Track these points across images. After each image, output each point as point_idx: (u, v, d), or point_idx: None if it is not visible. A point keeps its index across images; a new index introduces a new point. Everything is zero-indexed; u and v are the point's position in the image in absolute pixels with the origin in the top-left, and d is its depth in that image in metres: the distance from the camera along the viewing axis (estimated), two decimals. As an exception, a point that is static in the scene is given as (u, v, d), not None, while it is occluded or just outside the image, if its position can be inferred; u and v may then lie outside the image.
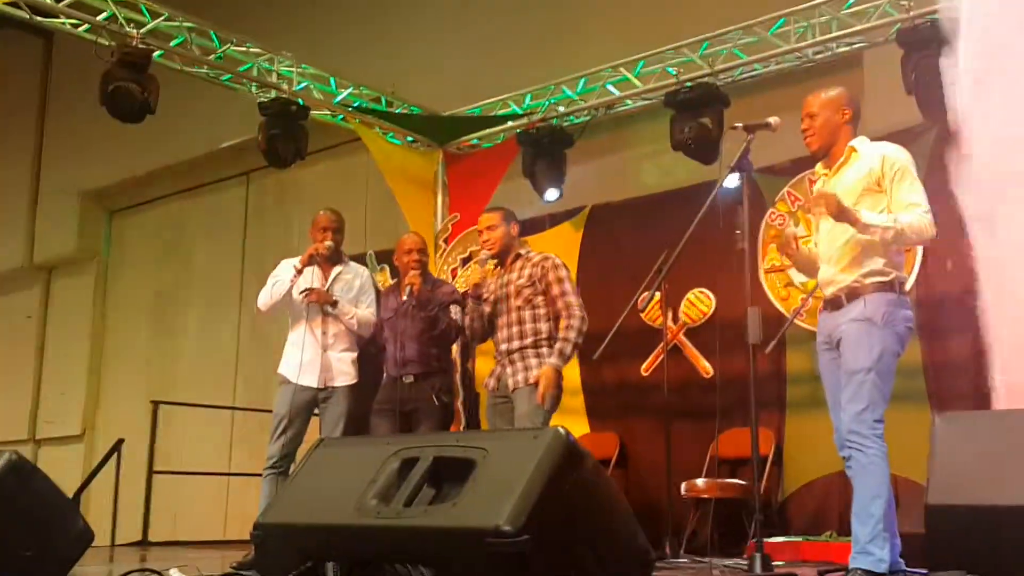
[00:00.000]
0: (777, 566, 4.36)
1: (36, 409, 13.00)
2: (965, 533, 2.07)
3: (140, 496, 8.21)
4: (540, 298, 4.84)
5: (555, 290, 4.82)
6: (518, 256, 4.97)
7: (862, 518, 3.61)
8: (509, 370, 4.81)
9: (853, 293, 3.76)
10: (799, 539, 6.07)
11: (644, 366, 7.21)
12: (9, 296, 13.55)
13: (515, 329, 4.83)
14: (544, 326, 4.81)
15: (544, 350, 4.76)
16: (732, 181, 4.06)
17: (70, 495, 7.67)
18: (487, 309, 4.96)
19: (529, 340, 4.78)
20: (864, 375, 3.65)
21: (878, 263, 3.75)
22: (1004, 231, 3.09)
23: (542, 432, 2.33)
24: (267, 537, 2.66)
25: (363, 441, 3.21)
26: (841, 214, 3.66)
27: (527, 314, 4.82)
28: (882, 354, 3.67)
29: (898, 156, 3.79)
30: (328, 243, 5.42)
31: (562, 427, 2.36)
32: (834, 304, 3.84)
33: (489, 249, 4.97)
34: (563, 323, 4.78)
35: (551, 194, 7.75)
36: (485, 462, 2.34)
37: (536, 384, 4.67)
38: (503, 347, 4.86)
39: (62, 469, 11.28)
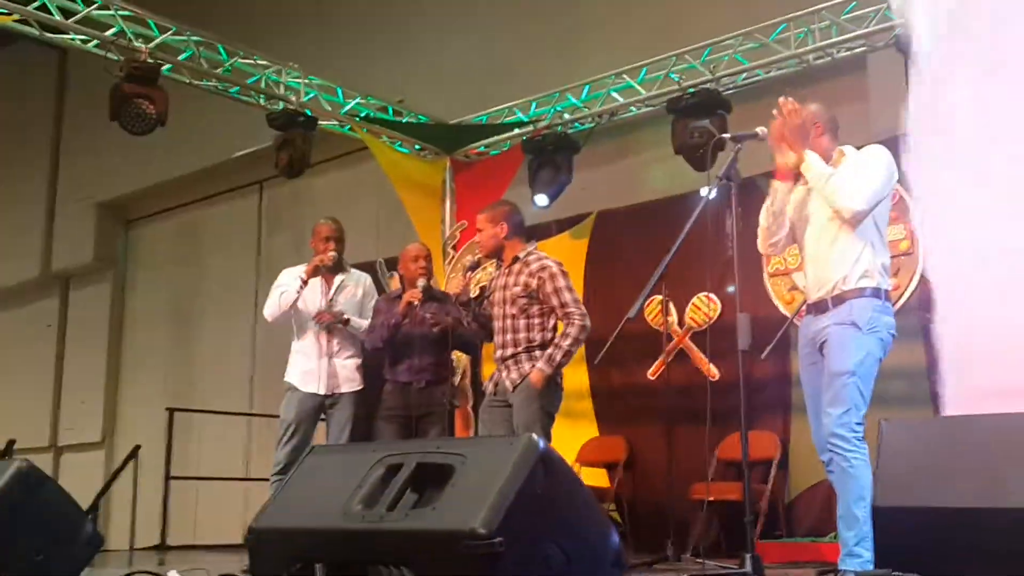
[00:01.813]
0: (772, 568, 4.41)
1: (56, 417, 13.17)
2: (911, 534, 2.14)
3: (159, 501, 8.33)
4: (535, 307, 4.80)
5: (554, 301, 4.78)
6: (516, 259, 4.91)
7: (848, 521, 3.64)
8: (504, 375, 4.81)
9: (839, 298, 3.81)
10: (805, 540, 6.13)
11: (651, 370, 7.27)
12: (28, 306, 13.72)
13: (509, 336, 4.82)
14: (538, 335, 4.79)
15: (536, 353, 4.75)
16: (721, 190, 4.10)
17: (91, 501, 7.91)
18: (489, 310, 4.99)
19: (522, 347, 4.78)
20: (847, 378, 3.69)
21: (864, 264, 3.81)
22: (954, 239, 3.15)
23: (516, 439, 2.42)
24: (260, 541, 2.76)
25: (351, 448, 3.32)
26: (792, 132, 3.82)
27: (521, 322, 4.80)
28: (865, 358, 3.72)
29: (875, 147, 3.91)
30: (332, 253, 5.51)
31: (535, 434, 2.44)
32: (819, 308, 3.89)
33: (480, 252, 5.03)
34: (561, 330, 4.78)
35: (541, 200, 7.81)
36: (463, 468, 2.44)
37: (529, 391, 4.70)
38: (498, 354, 4.88)
39: (83, 475, 11.46)
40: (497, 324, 4.90)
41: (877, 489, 2.26)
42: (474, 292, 5.10)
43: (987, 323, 2.96)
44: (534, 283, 4.80)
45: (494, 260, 5.24)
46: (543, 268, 4.83)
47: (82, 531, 3.85)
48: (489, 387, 4.93)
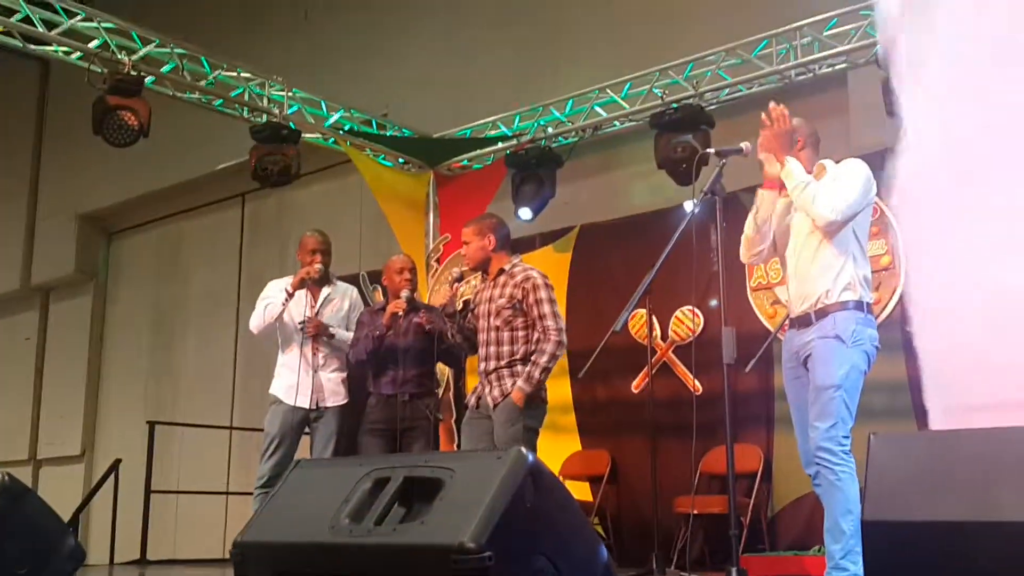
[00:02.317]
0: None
1: (36, 430, 13.06)
2: (899, 548, 2.15)
3: (139, 515, 8.27)
4: (520, 319, 4.79)
5: (535, 312, 4.77)
6: (501, 271, 4.92)
7: (834, 534, 3.68)
8: (487, 389, 4.80)
9: (822, 311, 3.83)
10: (788, 554, 6.15)
11: (634, 384, 7.30)
12: (8, 318, 13.62)
13: (492, 349, 4.81)
14: (521, 348, 4.77)
15: (519, 368, 4.73)
16: (705, 205, 4.12)
17: (70, 515, 7.84)
18: (473, 323, 4.98)
19: (504, 361, 4.77)
20: (833, 392, 3.71)
21: (846, 277, 3.84)
22: (936, 253, 3.19)
23: (505, 453, 2.42)
24: (245, 555, 2.75)
25: (338, 462, 3.31)
26: (777, 139, 3.86)
27: (505, 335, 4.79)
28: (850, 371, 3.74)
29: (854, 160, 3.95)
30: (318, 266, 5.51)
31: (524, 448, 2.45)
32: (803, 322, 3.91)
33: (467, 264, 5.04)
34: (538, 346, 4.76)
35: (524, 214, 7.84)
36: (452, 482, 2.43)
37: (511, 411, 4.68)
38: (481, 366, 4.87)
39: (62, 489, 11.36)
40: (481, 337, 4.89)
41: (865, 503, 2.28)
42: (458, 305, 5.09)
43: (972, 337, 2.99)
44: (519, 294, 4.81)
45: (478, 274, 5.24)
46: (527, 279, 4.84)
47: (65, 545, 3.83)
48: (472, 400, 4.91)
